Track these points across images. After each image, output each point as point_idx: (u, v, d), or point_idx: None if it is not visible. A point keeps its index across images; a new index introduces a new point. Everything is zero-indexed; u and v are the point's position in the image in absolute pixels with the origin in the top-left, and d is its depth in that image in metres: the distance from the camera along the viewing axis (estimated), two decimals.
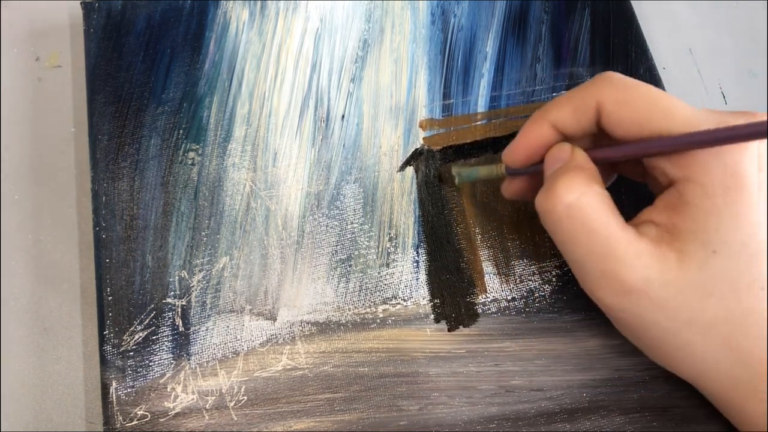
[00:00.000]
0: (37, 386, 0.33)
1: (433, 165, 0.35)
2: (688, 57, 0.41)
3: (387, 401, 0.30)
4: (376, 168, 0.35)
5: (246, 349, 0.31)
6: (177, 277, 0.32)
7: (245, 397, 0.30)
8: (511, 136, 0.36)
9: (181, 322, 0.31)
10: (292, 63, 0.37)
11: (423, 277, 0.33)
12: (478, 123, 0.36)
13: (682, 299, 0.24)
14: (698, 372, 0.26)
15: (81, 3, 0.37)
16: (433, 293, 0.33)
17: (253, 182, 0.34)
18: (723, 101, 0.40)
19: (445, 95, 0.36)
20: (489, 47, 0.38)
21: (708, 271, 0.24)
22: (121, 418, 0.29)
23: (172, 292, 0.32)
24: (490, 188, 0.35)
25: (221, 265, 0.33)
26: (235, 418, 0.30)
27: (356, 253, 0.33)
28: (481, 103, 0.36)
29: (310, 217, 0.34)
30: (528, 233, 0.34)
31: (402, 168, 0.35)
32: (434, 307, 0.32)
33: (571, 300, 0.33)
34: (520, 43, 0.38)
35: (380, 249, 0.33)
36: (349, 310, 0.32)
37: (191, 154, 0.34)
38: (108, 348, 0.31)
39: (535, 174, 0.29)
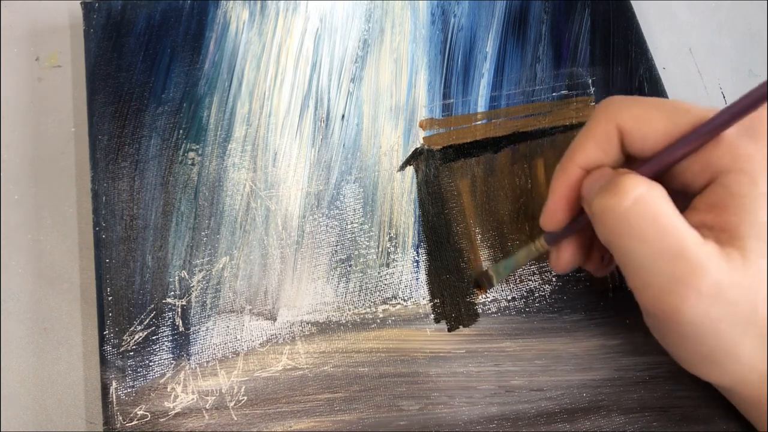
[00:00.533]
0: (37, 386, 0.33)
1: (433, 165, 0.35)
2: (688, 57, 0.41)
3: (387, 401, 0.30)
4: (376, 168, 0.35)
5: (246, 349, 0.31)
6: (177, 277, 0.32)
7: (245, 397, 0.30)
8: (512, 136, 0.36)
9: (181, 322, 0.31)
10: (292, 63, 0.37)
11: (423, 277, 0.33)
12: (478, 123, 0.36)
13: (747, 301, 0.23)
14: (740, 378, 0.25)
15: (81, 3, 0.37)
16: (433, 293, 0.33)
17: (253, 182, 0.34)
18: (723, 101, 0.40)
19: (445, 95, 0.36)
20: (489, 47, 0.38)
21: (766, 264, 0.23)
22: (121, 418, 0.29)
23: (172, 292, 0.32)
24: (490, 188, 0.35)
25: (221, 265, 0.33)
26: (235, 418, 0.30)
27: (356, 253, 0.33)
28: (481, 103, 0.36)
29: (310, 217, 0.34)
30: (528, 233, 0.34)
31: (402, 168, 0.35)
32: (434, 307, 0.32)
33: (571, 300, 0.33)
34: (520, 43, 0.38)
35: (380, 249, 0.33)
36: (349, 310, 0.32)
37: (191, 154, 0.34)
38: (108, 348, 0.31)
39: (578, 231, 0.28)
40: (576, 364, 0.31)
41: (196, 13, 0.37)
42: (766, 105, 0.22)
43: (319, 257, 0.33)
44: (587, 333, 0.32)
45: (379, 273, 0.33)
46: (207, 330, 0.31)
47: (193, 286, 0.32)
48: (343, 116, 0.36)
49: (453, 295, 0.33)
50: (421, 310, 0.32)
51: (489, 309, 0.32)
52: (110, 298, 0.31)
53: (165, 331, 0.31)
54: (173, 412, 0.30)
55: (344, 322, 0.32)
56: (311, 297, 0.32)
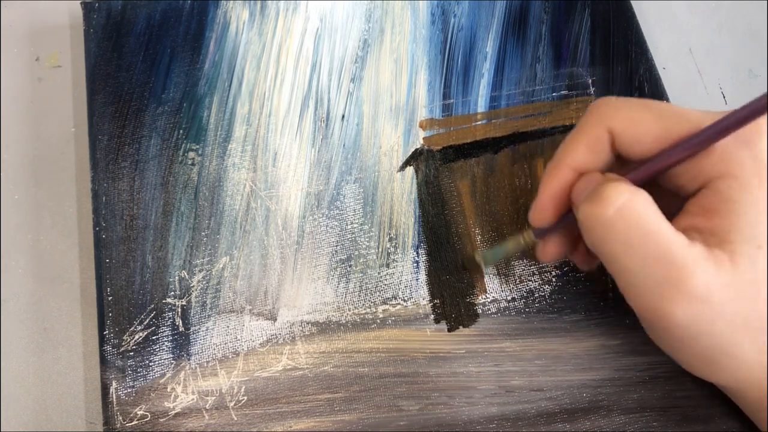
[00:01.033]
0: (37, 386, 0.33)
1: (433, 165, 0.35)
2: (688, 57, 0.41)
3: (387, 401, 0.30)
4: (376, 168, 0.35)
5: (246, 349, 0.31)
6: (177, 277, 0.32)
7: (245, 397, 0.30)
8: (512, 136, 0.36)
9: (181, 322, 0.31)
10: (292, 63, 0.37)
11: (423, 277, 0.33)
12: (478, 123, 0.36)
13: (739, 302, 0.23)
14: (741, 378, 0.25)
15: (81, 3, 0.37)
16: (433, 293, 0.33)
17: (253, 182, 0.34)
18: (723, 101, 0.40)
19: (445, 95, 0.36)
20: (489, 47, 0.38)
21: (758, 267, 0.23)
22: (121, 418, 0.29)
23: (172, 292, 0.32)
24: (490, 188, 0.35)
25: (221, 265, 0.33)
26: (235, 418, 0.30)
27: (356, 253, 0.33)
28: (481, 103, 0.36)
29: (310, 217, 0.34)
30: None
31: (402, 168, 0.35)
32: (434, 307, 0.32)
33: (571, 300, 0.33)
34: (520, 43, 0.38)
35: (380, 249, 0.33)
36: (349, 310, 0.32)
37: (191, 154, 0.34)
38: (108, 348, 0.31)
39: (565, 227, 0.28)
40: (576, 364, 0.31)
41: (196, 13, 0.37)
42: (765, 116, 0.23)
43: (319, 257, 0.33)
44: (587, 333, 0.32)
45: (379, 273, 0.33)
46: (207, 330, 0.31)
47: (193, 286, 0.32)
48: (343, 116, 0.36)
49: (453, 295, 0.33)
50: (421, 311, 0.32)
51: (489, 309, 0.32)
52: (110, 298, 0.31)
53: (165, 331, 0.31)
54: (173, 412, 0.30)
55: (344, 322, 0.32)
56: (311, 297, 0.32)
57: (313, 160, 0.35)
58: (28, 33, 0.40)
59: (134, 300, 0.31)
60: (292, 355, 0.31)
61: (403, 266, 0.33)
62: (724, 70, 0.41)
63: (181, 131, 0.35)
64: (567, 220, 0.28)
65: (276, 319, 0.32)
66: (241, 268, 0.33)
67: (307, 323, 0.32)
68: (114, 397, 0.30)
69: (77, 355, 0.33)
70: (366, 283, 0.33)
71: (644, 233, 0.23)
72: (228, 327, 0.31)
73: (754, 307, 0.24)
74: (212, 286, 0.32)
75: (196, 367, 0.31)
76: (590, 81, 0.37)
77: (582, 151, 0.27)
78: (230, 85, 0.36)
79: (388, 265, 0.33)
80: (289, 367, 0.31)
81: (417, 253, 0.33)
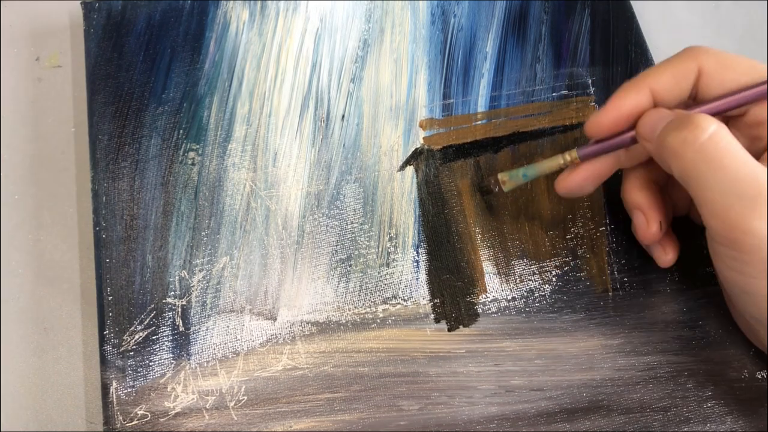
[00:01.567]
0: (37, 386, 0.33)
1: (433, 164, 0.35)
2: None
3: (387, 401, 0.30)
4: (376, 168, 0.35)
5: (246, 349, 0.31)
6: (177, 277, 0.32)
7: (245, 397, 0.30)
8: (512, 136, 0.36)
9: (181, 322, 0.31)
10: (292, 63, 0.37)
11: (423, 276, 0.33)
12: (478, 123, 0.36)
13: None
14: None
15: (81, 3, 0.37)
16: (433, 293, 0.33)
17: (253, 182, 0.34)
18: None
19: (445, 95, 0.37)
20: (489, 47, 0.38)
21: None
22: (121, 418, 0.29)
23: (173, 292, 0.32)
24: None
25: (221, 265, 0.33)
26: (235, 418, 0.30)
27: (356, 252, 0.33)
28: (481, 103, 0.36)
29: (310, 217, 0.34)
30: (528, 233, 0.34)
31: (402, 168, 0.35)
32: (434, 306, 0.32)
33: (571, 300, 0.33)
34: (520, 43, 0.38)
35: (380, 249, 0.33)
36: (349, 310, 0.32)
37: (191, 154, 0.34)
38: (108, 348, 0.31)
39: (616, 148, 0.29)
40: (576, 364, 0.31)
41: (196, 13, 0.37)
42: None
43: (319, 257, 0.33)
44: (587, 333, 0.32)
45: (379, 273, 0.33)
46: (207, 330, 0.31)
47: (194, 286, 0.32)
48: (343, 116, 0.36)
49: (453, 294, 0.33)
50: (421, 310, 0.32)
51: (489, 309, 0.32)
52: (110, 298, 0.31)
53: (165, 330, 0.31)
54: (173, 411, 0.30)
55: (344, 322, 0.32)
56: (311, 297, 0.32)
57: (313, 159, 0.35)
58: (28, 33, 0.40)
59: (134, 300, 0.31)
60: (292, 354, 0.31)
61: (403, 266, 0.33)
62: None
63: (181, 131, 0.35)
64: (620, 141, 0.29)
65: (276, 319, 0.32)
66: (241, 267, 0.33)
67: (307, 323, 0.32)
68: (114, 396, 0.30)
69: (77, 355, 0.33)
70: (366, 283, 0.33)
71: (732, 156, 0.25)
72: (228, 327, 0.31)
73: None
74: (212, 285, 0.32)
75: (196, 367, 0.31)
76: (590, 81, 0.37)
77: (667, 77, 0.29)
78: (230, 85, 0.36)
79: (388, 265, 0.33)
80: (289, 366, 0.31)
81: (417, 252, 0.33)
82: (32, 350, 0.33)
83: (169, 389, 0.30)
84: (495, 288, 0.33)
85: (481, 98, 0.37)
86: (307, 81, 0.36)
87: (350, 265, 0.33)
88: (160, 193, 0.34)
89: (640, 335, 0.32)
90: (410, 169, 0.35)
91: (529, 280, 0.33)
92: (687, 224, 0.33)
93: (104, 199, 0.33)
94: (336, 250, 0.33)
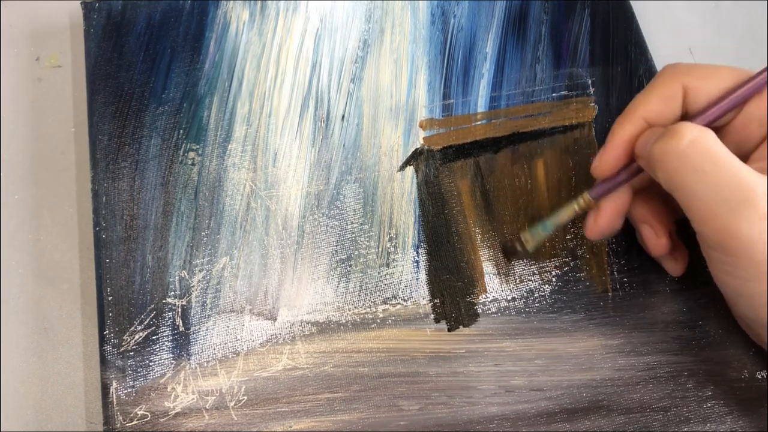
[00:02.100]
0: (37, 386, 0.33)
1: (433, 165, 0.35)
2: (688, 57, 0.41)
3: (387, 401, 0.30)
4: (376, 168, 0.35)
5: (246, 349, 0.31)
6: (177, 277, 0.32)
7: (245, 397, 0.30)
8: (512, 136, 0.36)
9: (181, 322, 0.31)
10: (292, 63, 0.37)
11: (423, 277, 0.33)
12: (478, 123, 0.36)
13: None
14: None
15: (81, 3, 0.37)
16: (433, 293, 0.33)
17: (253, 182, 0.34)
18: None
19: (445, 95, 0.37)
20: (489, 47, 0.38)
21: None
22: (121, 418, 0.29)
23: (173, 292, 0.32)
24: (490, 188, 0.35)
25: (221, 265, 0.33)
26: (235, 418, 0.30)
27: (356, 253, 0.33)
28: (481, 103, 0.36)
29: (310, 217, 0.34)
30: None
31: (402, 168, 0.35)
32: (434, 307, 0.32)
33: (571, 300, 0.33)
34: (520, 43, 0.38)
35: (380, 249, 0.33)
36: (349, 310, 0.32)
37: (191, 154, 0.34)
38: (108, 348, 0.31)
39: (625, 182, 0.30)
40: (576, 364, 0.31)
41: (196, 13, 0.37)
42: None
43: (319, 257, 0.33)
44: (587, 333, 0.32)
45: (379, 273, 0.33)
46: (207, 330, 0.31)
47: (194, 286, 0.32)
48: (343, 116, 0.36)
49: (453, 295, 0.33)
50: (421, 310, 0.32)
51: (489, 309, 0.32)
52: (110, 298, 0.31)
53: (165, 331, 0.31)
54: (173, 412, 0.30)
55: (344, 322, 0.32)
56: (311, 297, 0.32)
57: (313, 160, 0.35)
58: (28, 33, 0.40)
59: (134, 300, 0.31)
60: (292, 354, 0.31)
61: (403, 266, 0.33)
62: None
63: (181, 131, 0.35)
64: (627, 175, 0.29)
65: (276, 319, 0.32)
66: (241, 268, 0.33)
67: (307, 323, 0.32)
68: (114, 397, 0.30)
69: (77, 355, 0.33)
70: (366, 283, 0.33)
71: (715, 161, 0.25)
72: (228, 327, 0.31)
73: None
74: (212, 286, 0.32)
75: (196, 367, 0.31)
76: (590, 81, 0.37)
77: (656, 103, 0.29)
78: (230, 85, 0.36)
79: (388, 265, 0.33)
80: (289, 366, 0.31)
81: (417, 252, 0.33)
82: (32, 350, 0.33)
83: (169, 389, 0.30)
84: (495, 288, 0.33)
85: (481, 98, 0.37)
86: (307, 81, 0.36)
87: (350, 266, 0.33)
88: (160, 193, 0.34)
89: (640, 335, 0.32)
90: (410, 170, 0.35)
91: (529, 280, 0.33)
92: (687, 225, 0.33)
93: (104, 199, 0.33)
94: (336, 251, 0.33)
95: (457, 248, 0.34)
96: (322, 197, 0.34)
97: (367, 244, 0.33)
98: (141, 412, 0.30)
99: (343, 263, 0.33)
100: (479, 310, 0.32)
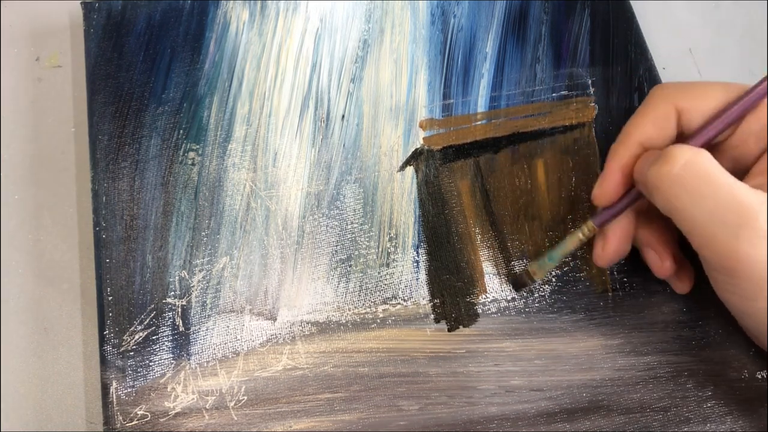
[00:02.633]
0: (37, 386, 0.33)
1: (433, 165, 0.35)
2: (688, 57, 0.41)
3: (387, 401, 0.30)
4: (376, 168, 0.35)
5: (246, 349, 0.31)
6: (177, 277, 0.32)
7: (245, 397, 0.30)
8: (512, 136, 0.36)
9: (181, 322, 0.31)
10: (292, 63, 0.37)
11: (423, 277, 0.33)
12: (478, 123, 0.36)
13: None
14: None
15: (81, 3, 0.37)
16: (433, 293, 0.33)
17: (253, 182, 0.34)
18: None
19: (445, 95, 0.37)
20: (489, 47, 0.38)
21: None
22: (121, 418, 0.29)
23: (173, 292, 0.32)
24: (490, 188, 0.35)
25: (221, 265, 0.33)
26: (235, 418, 0.30)
27: (356, 253, 0.33)
28: (481, 103, 0.36)
29: (310, 217, 0.34)
30: (528, 234, 0.34)
31: (402, 168, 0.35)
32: (434, 307, 0.32)
33: (571, 300, 0.33)
34: (519, 43, 0.38)
35: (380, 249, 0.33)
36: (349, 310, 0.32)
37: (191, 154, 0.34)
38: (108, 348, 0.31)
39: (626, 208, 0.29)
40: (576, 364, 0.31)
41: (196, 13, 0.37)
42: None
43: (319, 257, 0.33)
44: (587, 333, 0.32)
45: (379, 273, 0.33)
46: (207, 330, 0.31)
47: (194, 286, 0.32)
48: (343, 116, 0.36)
49: (453, 295, 0.33)
50: (421, 310, 0.32)
51: (489, 309, 0.32)
52: (110, 298, 0.31)
53: (165, 331, 0.31)
54: (173, 412, 0.30)
55: (344, 322, 0.32)
56: (311, 297, 0.32)
57: (313, 160, 0.35)
58: (28, 33, 0.40)
59: (134, 300, 0.31)
60: (292, 354, 0.31)
61: (403, 266, 0.33)
62: (723, 70, 0.41)
63: (181, 131, 0.35)
64: (629, 201, 0.29)
65: (276, 319, 0.32)
66: (241, 268, 0.33)
67: (307, 323, 0.32)
68: (114, 397, 0.30)
69: (77, 355, 0.33)
70: (366, 283, 0.33)
71: (710, 183, 0.25)
72: (228, 327, 0.31)
73: None
74: (212, 286, 0.32)
75: (196, 367, 0.31)
76: (590, 81, 0.37)
77: (650, 127, 0.29)
78: (230, 85, 0.36)
79: (388, 265, 0.33)
80: (289, 366, 0.31)
81: (417, 252, 0.33)
82: (32, 350, 0.33)
83: (169, 389, 0.30)
84: (495, 288, 0.33)
85: (481, 98, 0.37)
86: (307, 81, 0.36)
87: (350, 266, 0.33)
88: (160, 193, 0.34)
89: (640, 335, 0.32)
90: (410, 170, 0.35)
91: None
92: None
93: (104, 199, 0.33)
94: (336, 251, 0.33)
95: (457, 248, 0.34)
96: (322, 197, 0.34)
97: (367, 244, 0.33)
98: (141, 412, 0.30)
99: (343, 263, 0.33)
100: (479, 310, 0.32)
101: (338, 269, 0.33)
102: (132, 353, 0.31)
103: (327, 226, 0.34)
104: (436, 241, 0.34)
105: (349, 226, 0.34)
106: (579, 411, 0.30)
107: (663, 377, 0.31)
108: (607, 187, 0.29)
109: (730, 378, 0.31)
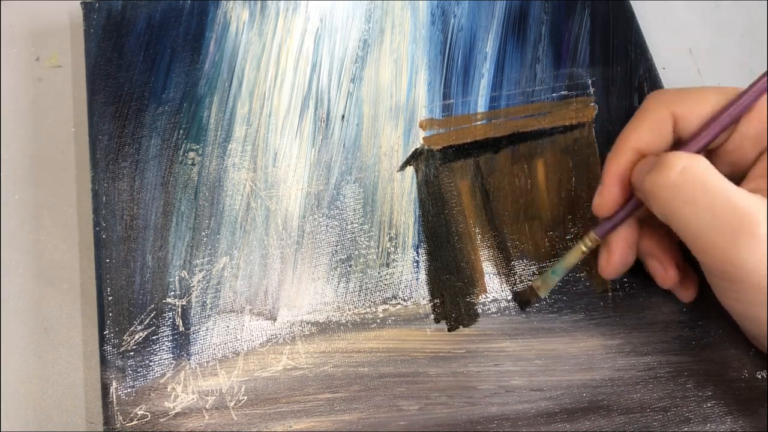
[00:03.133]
0: (37, 386, 0.33)
1: (433, 165, 0.35)
2: (688, 57, 0.41)
3: (387, 401, 0.30)
4: (376, 168, 0.35)
5: (246, 349, 0.31)
6: (177, 277, 0.32)
7: (245, 397, 0.30)
8: (512, 136, 0.36)
9: (181, 322, 0.31)
10: (292, 63, 0.37)
11: (423, 277, 0.33)
12: (478, 123, 0.36)
13: None
14: None
15: (81, 3, 0.37)
16: (433, 293, 0.33)
17: (253, 182, 0.34)
18: None
19: (445, 95, 0.37)
20: (489, 47, 0.38)
21: None
22: (121, 418, 0.29)
23: (173, 292, 0.32)
24: (490, 188, 0.35)
25: (221, 265, 0.33)
26: (235, 418, 0.30)
27: (356, 253, 0.33)
28: (481, 103, 0.36)
29: (310, 217, 0.34)
30: (528, 234, 0.34)
31: (402, 168, 0.35)
32: (434, 307, 0.32)
33: (571, 300, 0.33)
34: (520, 43, 0.38)
35: (380, 249, 0.33)
36: (349, 310, 0.32)
37: (191, 154, 0.34)
38: (108, 348, 0.31)
39: (627, 217, 0.29)
40: (576, 364, 0.31)
41: (196, 14, 0.37)
42: None
43: (319, 257, 0.33)
44: (587, 333, 0.32)
45: (379, 273, 0.33)
46: (207, 330, 0.31)
47: (194, 286, 0.32)
48: (343, 116, 0.36)
49: (453, 295, 0.33)
50: (421, 310, 0.32)
51: (489, 309, 0.32)
52: (110, 298, 0.31)
53: (165, 331, 0.31)
54: (173, 412, 0.30)
55: (344, 322, 0.32)
56: (311, 297, 0.32)
57: (313, 160, 0.35)
58: (28, 33, 0.40)
59: (134, 300, 0.31)
60: (292, 354, 0.31)
61: (403, 266, 0.33)
62: (723, 70, 0.41)
63: (181, 131, 0.35)
64: (629, 209, 0.29)
65: (276, 319, 0.32)
66: (241, 268, 0.33)
67: (307, 323, 0.32)
68: (114, 397, 0.30)
69: (77, 355, 0.33)
70: (366, 283, 0.33)
71: (707, 189, 0.25)
72: (228, 327, 0.31)
73: None
74: (212, 286, 0.32)
75: (196, 367, 0.31)
76: (590, 81, 0.37)
77: (645, 133, 0.29)
78: (230, 85, 0.36)
79: (388, 265, 0.33)
80: (289, 366, 0.31)
81: (417, 252, 0.33)
82: (32, 350, 0.33)
83: (169, 389, 0.30)
84: (495, 288, 0.33)
85: (481, 98, 0.37)
86: (307, 81, 0.36)
87: (350, 266, 0.33)
88: (160, 193, 0.34)
89: (640, 335, 0.32)
90: (410, 170, 0.35)
91: (529, 280, 0.33)
92: None
93: (104, 199, 0.33)
94: (336, 251, 0.33)
95: (457, 248, 0.34)
96: (322, 197, 0.34)
97: (367, 244, 0.33)
98: (141, 412, 0.30)
99: (343, 263, 0.33)
100: (479, 310, 0.32)
101: (338, 269, 0.33)
102: (132, 353, 0.31)
103: (327, 226, 0.34)
104: (436, 241, 0.34)
105: (349, 226, 0.34)
106: (579, 411, 0.30)
107: (663, 377, 0.31)
108: (606, 196, 0.29)
109: (730, 378, 0.31)
